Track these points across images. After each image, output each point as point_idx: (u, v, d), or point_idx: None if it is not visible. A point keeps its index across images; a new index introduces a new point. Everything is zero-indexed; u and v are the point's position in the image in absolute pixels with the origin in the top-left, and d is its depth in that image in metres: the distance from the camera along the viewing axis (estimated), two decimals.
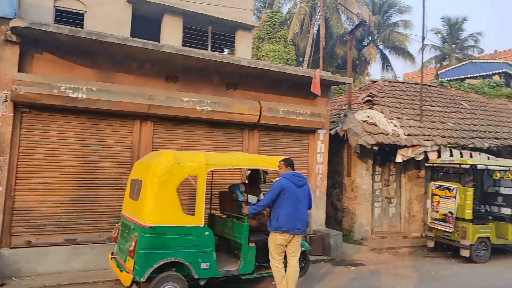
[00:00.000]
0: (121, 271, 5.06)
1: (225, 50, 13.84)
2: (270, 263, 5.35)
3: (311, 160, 8.77)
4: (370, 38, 30.86)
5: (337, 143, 9.87)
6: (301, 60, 27.32)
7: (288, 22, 26.57)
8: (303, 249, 6.31)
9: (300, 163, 8.58)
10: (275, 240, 5.19)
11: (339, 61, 29.42)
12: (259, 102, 7.87)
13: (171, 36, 11.12)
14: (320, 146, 8.85)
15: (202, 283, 5.24)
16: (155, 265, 4.86)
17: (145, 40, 6.58)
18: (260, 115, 7.77)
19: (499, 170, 9.65)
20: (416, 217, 10.55)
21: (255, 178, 6.64)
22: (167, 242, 4.96)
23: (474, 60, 27.55)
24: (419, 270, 7.63)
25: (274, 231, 5.15)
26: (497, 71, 24.35)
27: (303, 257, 6.47)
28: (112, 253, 5.72)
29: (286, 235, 5.13)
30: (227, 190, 6.41)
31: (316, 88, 8.16)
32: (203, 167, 5.26)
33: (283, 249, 5.24)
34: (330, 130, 9.50)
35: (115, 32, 8.04)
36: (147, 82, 7.10)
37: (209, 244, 5.23)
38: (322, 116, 8.53)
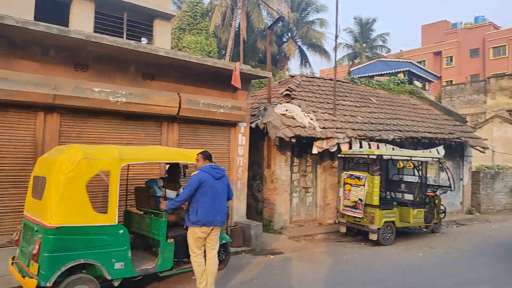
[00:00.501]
0: (23, 276, 4.61)
1: (143, 39, 13.27)
2: (190, 257, 5.27)
3: (232, 152, 8.81)
4: (289, 34, 31.88)
5: (258, 136, 10.04)
6: (223, 53, 27.28)
7: (210, 13, 26.31)
8: (223, 241, 6.33)
9: (221, 156, 8.59)
10: (194, 234, 5.12)
11: (260, 55, 29.93)
12: (178, 94, 7.67)
13: (81, 21, 10.34)
14: (241, 139, 8.93)
15: (116, 283, 4.98)
16: (62, 268, 4.51)
17: (50, 24, 6.01)
18: (179, 107, 7.58)
19: (402, 160, 10.65)
20: (330, 205, 11.19)
21: (175, 172, 6.48)
22: (76, 243, 4.62)
23: (382, 59, 29.92)
24: (333, 254, 8.12)
25: (193, 226, 5.08)
26: (401, 70, 26.70)
27: (224, 249, 6.50)
28: (13, 258, 5.19)
29: (206, 228, 5.09)
30: (144, 185, 6.16)
31: (236, 81, 8.19)
32: (116, 162, 4.98)
33: (203, 242, 5.20)
34: (251, 123, 9.63)
35: (18, 15, 7.23)
36: (53, 70, 6.50)
37: (124, 243, 4.99)
38: (242, 109, 8.60)
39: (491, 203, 15.38)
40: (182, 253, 5.60)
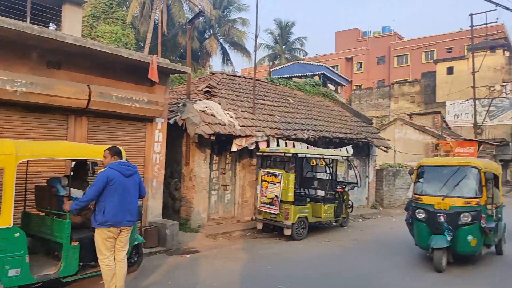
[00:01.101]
0: None
1: (52, 25, 12.15)
2: (98, 260, 4.94)
3: (148, 149, 8.46)
4: (211, 31, 31.71)
5: (176, 133, 9.80)
6: (142, 45, 26.19)
7: (127, 3, 25.04)
8: (136, 242, 6.06)
9: (136, 153, 8.20)
10: (102, 235, 4.80)
11: (181, 50, 29.34)
12: (88, 85, 7.13)
13: None
14: (158, 135, 8.62)
15: None
16: None
17: None
18: (89, 99, 7.05)
19: (315, 158, 11.20)
20: (248, 202, 11.36)
21: (82, 170, 6.02)
22: None
23: (300, 61, 31.17)
24: (249, 251, 8.24)
25: (100, 227, 4.75)
26: (317, 73, 28.09)
27: (136, 250, 6.22)
28: None
29: (114, 229, 4.79)
30: (46, 184, 5.63)
31: (153, 74, 7.88)
32: (12, 158, 4.47)
33: (113, 243, 4.89)
34: (169, 119, 9.35)
35: None
36: None
37: (20, 247, 4.50)
38: (160, 104, 8.31)
39: (393, 199, 16.91)
40: (88, 256, 5.22)
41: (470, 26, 24.77)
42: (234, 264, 7.14)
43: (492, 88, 28.98)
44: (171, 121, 9.49)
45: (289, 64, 29.34)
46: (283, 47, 38.08)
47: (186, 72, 9.57)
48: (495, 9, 37.08)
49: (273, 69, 31.46)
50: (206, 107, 10.18)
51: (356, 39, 50.33)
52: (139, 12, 25.85)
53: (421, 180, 7.76)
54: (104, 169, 4.86)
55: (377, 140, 15.39)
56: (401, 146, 22.64)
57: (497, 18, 48.99)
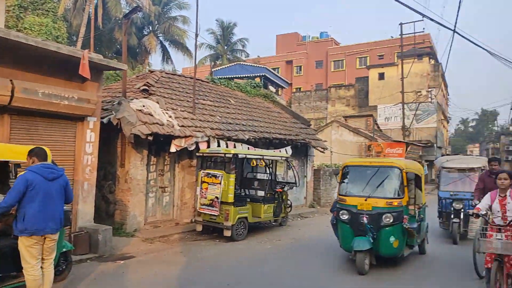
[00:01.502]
0: None
1: None
2: (23, 270, 4.52)
3: (78, 150, 7.95)
4: (150, 28, 30.78)
5: (110, 132, 9.33)
6: (75, 39, 24.71)
7: None
8: (64, 249, 5.66)
9: (65, 154, 7.67)
10: (25, 242, 4.41)
11: (118, 46, 28.13)
12: (11, 80, 6.55)
13: None
14: (90, 135, 8.13)
15: None
16: None
17: None
18: (12, 96, 6.47)
19: (256, 159, 11.29)
20: (187, 204, 11.15)
21: (2, 172, 5.50)
22: None
23: (241, 63, 31.32)
24: (187, 254, 8.07)
25: (21, 234, 4.36)
26: (258, 74, 28.42)
27: (65, 258, 5.82)
28: None
29: (36, 237, 4.42)
30: None
31: (84, 70, 7.41)
32: None
33: (39, 251, 4.51)
34: (103, 118, 8.88)
35: None
36: None
37: None
38: (92, 102, 7.84)
39: (329, 197, 17.56)
40: (9, 266, 4.77)
41: (399, 35, 26.52)
42: (171, 269, 6.94)
43: (418, 93, 31.27)
44: (104, 120, 9.02)
45: (231, 64, 29.37)
46: (225, 47, 38.05)
47: (122, 69, 9.16)
48: (422, 20, 40.00)
49: (214, 69, 31.26)
50: (143, 106, 9.83)
51: (296, 43, 51.73)
52: (72, 4, 24.38)
53: (345, 180, 7.56)
54: (24, 172, 4.45)
55: (314, 141, 15.89)
56: (337, 147, 23.61)
57: (423, 28, 52.97)
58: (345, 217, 7.06)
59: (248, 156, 10.50)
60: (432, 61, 34.61)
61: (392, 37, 40.14)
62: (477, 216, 5.47)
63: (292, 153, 14.02)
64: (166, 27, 29.45)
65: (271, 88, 29.21)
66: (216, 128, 11.31)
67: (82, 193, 7.88)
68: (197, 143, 10.33)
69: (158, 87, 11.72)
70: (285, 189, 11.59)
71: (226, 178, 9.37)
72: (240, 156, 9.90)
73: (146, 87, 11.22)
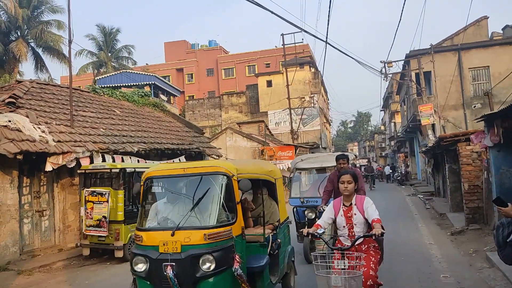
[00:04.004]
0: None
1: None
2: None
3: None
4: (19, 33, 27.47)
5: None
6: None
7: None
8: None
9: None
10: None
11: None
12: None
13: None
14: None
15: None
16: None
17: None
18: None
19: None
20: (72, 227, 10.11)
21: None
22: None
23: (128, 71, 29.89)
24: (73, 282, 7.27)
25: None
26: (148, 82, 27.43)
27: None
28: None
29: None
30: None
31: None
32: None
33: None
34: None
35: None
36: None
37: None
38: None
39: None
40: None
41: (282, 45, 28.11)
42: None
43: (303, 99, 33.54)
44: None
45: (116, 73, 27.81)
46: (109, 54, 35.85)
47: None
48: (300, 31, 43.13)
49: (98, 77, 29.25)
50: (9, 121, 8.63)
51: (185, 51, 51.36)
52: None
53: (147, 202, 4.66)
54: None
55: (208, 149, 15.85)
56: (232, 153, 23.96)
57: (302, 39, 57.17)
58: (140, 268, 4.04)
59: (138, 170, 9.93)
60: (313, 69, 37.49)
61: (276, 46, 42.49)
62: (314, 237, 3.88)
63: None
64: (38, 32, 26.47)
65: (162, 97, 28.46)
66: (99, 142, 10.47)
67: None
68: (77, 159, 9.42)
69: (27, 99, 10.43)
70: None
71: (114, 195, 8.72)
72: (128, 170, 9.30)
73: (13, 100, 9.88)
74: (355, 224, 3.96)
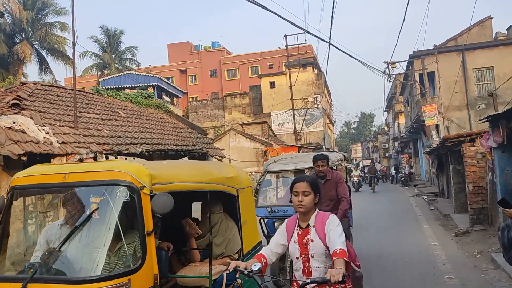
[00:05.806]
0: None
1: None
2: None
3: None
4: (23, 35, 27.64)
5: None
6: None
7: None
8: None
9: None
10: None
11: None
12: None
13: None
14: None
15: None
16: None
17: None
18: None
19: None
20: None
21: None
22: None
23: (132, 72, 30.00)
24: None
25: None
26: (151, 84, 27.51)
27: None
28: None
29: None
30: None
31: None
32: None
33: None
34: None
35: None
36: None
37: None
38: None
39: None
40: None
41: (285, 46, 28.12)
42: None
43: (306, 100, 33.52)
44: None
45: (119, 74, 27.91)
46: (113, 56, 35.98)
47: None
48: (303, 32, 43.14)
49: (102, 79, 29.39)
50: (14, 123, 8.64)
51: (188, 52, 51.48)
52: None
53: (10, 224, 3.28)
54: None
55: (212, 150, 15.84)
56: (235, 154, 24.00)
57: (305, 40, 57.16)
58: None
59: None
60: (316, 70, 37.47)
61: (279, 47, 42.51)
62: (247, 275, 2.51)
63: None
64: (42, 34, 26.63)
65: (166, 98, 28.56)
66: (103, 143, 10.49)
67: None
68: (82, 160, 9.44)
69: (32, 101, 10.46)
70: None
71: None
72: None
73: (17, 101, 9.91)
74: (311, 256, 2.64)
